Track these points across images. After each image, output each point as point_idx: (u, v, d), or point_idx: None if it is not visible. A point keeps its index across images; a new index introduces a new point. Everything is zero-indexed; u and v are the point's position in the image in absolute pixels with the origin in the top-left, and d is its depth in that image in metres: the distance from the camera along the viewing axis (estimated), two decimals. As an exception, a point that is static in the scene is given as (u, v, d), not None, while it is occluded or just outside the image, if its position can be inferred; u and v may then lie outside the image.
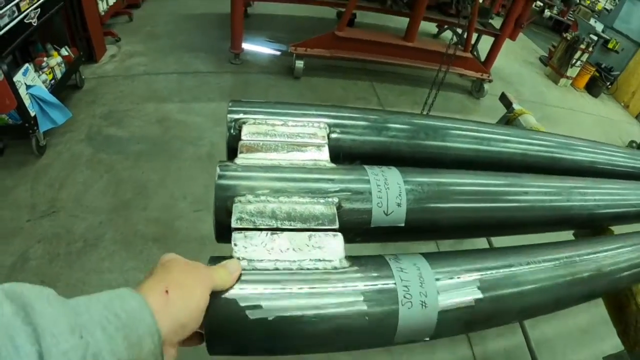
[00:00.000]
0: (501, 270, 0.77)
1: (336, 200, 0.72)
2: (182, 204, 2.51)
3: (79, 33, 3.21)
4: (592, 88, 7.26)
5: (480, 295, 0.70)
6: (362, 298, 0.60)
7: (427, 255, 0.71)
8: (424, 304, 0.63)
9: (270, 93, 3.70)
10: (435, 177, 0.83)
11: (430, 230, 0.84)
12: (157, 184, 2.60)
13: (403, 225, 0.77)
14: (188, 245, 2.29)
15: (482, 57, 5.05)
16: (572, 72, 6.80)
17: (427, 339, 0.68)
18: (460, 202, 0.84)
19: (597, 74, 7.18)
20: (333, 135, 0.88)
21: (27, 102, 2.42)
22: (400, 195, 0.76)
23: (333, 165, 0.79)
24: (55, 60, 2.82)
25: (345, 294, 0.60)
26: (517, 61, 7.18)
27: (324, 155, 0.81)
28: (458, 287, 0.68)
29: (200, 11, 4.94)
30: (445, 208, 0.82)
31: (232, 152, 0.81)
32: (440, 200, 0.81)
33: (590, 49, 6.70)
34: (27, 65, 2.51)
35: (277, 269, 0.60)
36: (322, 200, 0.71)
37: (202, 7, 5.05)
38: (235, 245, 0.61)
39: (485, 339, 2.40)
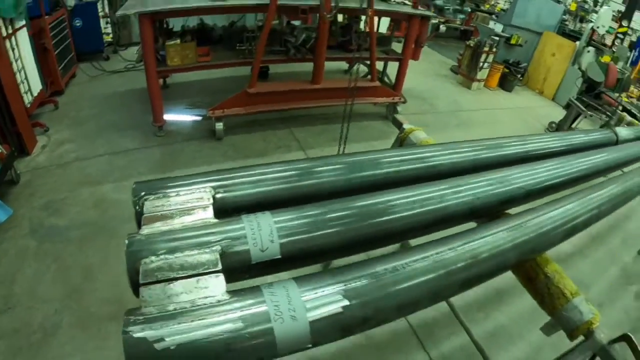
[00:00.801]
0: (365, 279, 0.95)
1: (219, 247, 0.92)
2: (127, 278, 2.61)
3: (8, 129, 3.28)
4: (505, 84, 7.93)
5: (346, 303, 0.89)
6: (240, 321, 0.79)
7: (297, 279, 0.91)
8: (294, 318, 0.82)
9: (196, 158, 3.85)
10: (302, 212, 1.05)
11: (306, 257, 1.04)
12: (101, 264, 2.68)
13: (280, 257, 0.97)
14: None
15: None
16: (481, 74, 7.40)
17: (310, 345, 0.86)
18: (326, 228, 1.05)
19: (507, 70, 7.87)
20: (218, 196, 1.09)
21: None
22: (271, 233, 0.97)
23: (216, 220, 0.99)
24: (-11, 160, 2.90)
25: (228, 321, 0.79)
26: (430, 77, 7.69)
27: (208, 214, 1.01)
28: (323, 299, 0.88)
29: (123, 89, 5.10)
30: (314, 236, 1.03)
31: (139, 224, 1.00)
32: (308, 231, 1.02)
33: (494, 49, 7.30)
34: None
35: (175, 309, 0.78)
36: (207, 250, 0.90)
37: (124, 85, 5.21)
38: (142, 297, 0.80)
39: (439, 342, 2.59)
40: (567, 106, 6.19)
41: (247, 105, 4.10)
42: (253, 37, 4.08)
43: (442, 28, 8.53)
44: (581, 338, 1.51)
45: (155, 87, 3.77)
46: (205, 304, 0.80)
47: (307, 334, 0.83)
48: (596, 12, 9.07)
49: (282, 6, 3.62)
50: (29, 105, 3.75)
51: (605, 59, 7.71)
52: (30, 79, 3.83)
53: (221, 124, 4.07)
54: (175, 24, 4.45)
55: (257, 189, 1.15)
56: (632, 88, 9.54)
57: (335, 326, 0.87)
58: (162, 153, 3.85)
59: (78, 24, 5.35)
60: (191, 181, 1.12)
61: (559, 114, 7.46)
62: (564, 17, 11.82)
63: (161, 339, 0.72)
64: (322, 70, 4.35)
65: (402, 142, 2.25)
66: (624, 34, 11.19)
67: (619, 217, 4.58)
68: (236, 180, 1.15)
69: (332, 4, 3.64)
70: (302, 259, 1.03)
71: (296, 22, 4.73)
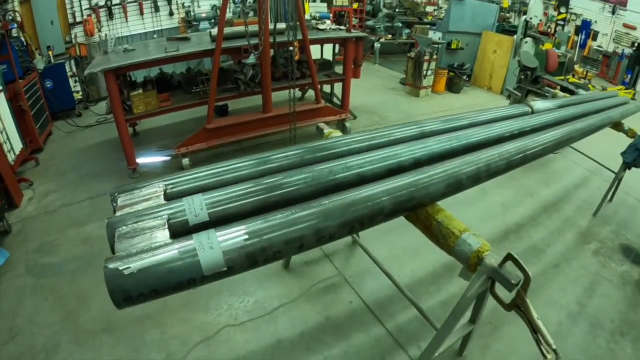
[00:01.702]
0: (261, 222, 1.40)
1: (166, 216, 1.38)
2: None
3: (-4, 185, 3.69)
4: (452, 86, 8.51)
5: (247, 237, 1.33)
6: (177, 252, 1.24)
7: (216, 227, 1.36)
8: (212, 248, 1.27)
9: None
10: (225, 191, 1.53)
11: (227, 219, 1.48)
12: (94, 289, 3.04)
13: (208, 219, 1.44)
14: (130, 326, 2.79)
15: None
16: (427, 81, 7.98)
17: (225, 269, 1.28)
18: (240, 200, 1.53)
19: (453, 74, 8.48)
20: (168, 190, 1.57)
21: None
22: (201, 205, 1.44)
23: (166, 201, 1.46)
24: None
25: (169, 252, 1.23)
26: (380, 92, 8.28)
27: (161, 200, 1.48)
28: (232, 235, 1.33)
29: (97, 141, 5.58)
30: (232, 206, 1.51)
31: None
32: (227, 202, 1.50)
33: (434, 56, 7.89)
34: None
35: (136, 251, 1.24)
36: (158, 218, 1.36)
37: (98, 137, 5.69)
38: (116, 249, 1.26)
39: (394, 314, 2.97)
40: (508, 96, 6.80)
41: (208, 140, 4.61)
42: (207, 79, 4.61)
43: (377, 45, 9.18)
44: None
45: (125, 134, 4.25)
46: (155, 245, 1.26)
47: (221, 260, 1.27)
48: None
49: (226, 49, 4.18)
50: (12, 163, 4.19)
51: (547, 46, 8.41)
52: (11, 139, 4.30)
53: (187, 159, 4.55)
54: (138, 75, 4.99)
55: (195, 183, 1.63)
56: (577, 68, 10.39)
57: (242, 254, 1.31)
58: None
59: (49, 85, 5.85)
60: (150, 183, 1.59)
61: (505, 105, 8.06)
62: (506, 14, 12.76)
63: (127, 267, 1.17)
64: (270, 100, 4.88)
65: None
66: (564, 20, 12.18)
67: (571, 188, 5.13)
68: (181, 179, 1.64)
69: (270, 40, 4.21)
70: (224, 221, 1.47)
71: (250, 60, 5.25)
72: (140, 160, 4.58)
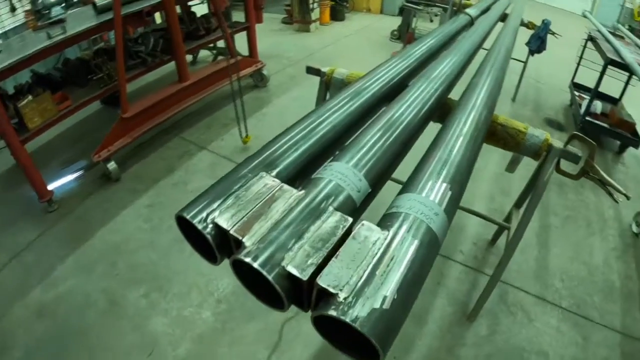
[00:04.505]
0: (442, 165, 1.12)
1: (330, 208, 0.92)
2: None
3: None
4: (337, 15, 8.54)
5: (448, 185, 1.04)
6: (418, 242, 0.82)
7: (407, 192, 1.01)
8: (436, 214, 0.92)
9: (108, 210, 3.44)
10: (356, 146, 1.13)
11: (382, 180, 1.15)
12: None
13: (370, 190, 1.06)
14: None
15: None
16: (315, 15, 7.77)
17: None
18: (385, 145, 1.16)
19: (334, 2, 8.44)
20: (274, 173, 1.05)
21: None
22: (355, 175, 1.04)
23: (302, 191, 0.98)
24: None
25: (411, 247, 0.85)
26: (267, 35, 7.63)
27: (288, 192, 0.99)
28: (436, 192, 0.99)
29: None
30: (379, 156, 1.13)
31: (223, 246, 0.88)
32: (373, 155, 1.11)
33: None
34: None
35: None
36: (325, 217, 0.85)
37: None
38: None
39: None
40: (401, 12, 6.92)
41: (129, 131, 3.75)
42: (101, 62, 3.70)
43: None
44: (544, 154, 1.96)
45: (26, 160, 3.21)
46: (376, 251, 0.78)
47: (447, 220, 0.96)
48: None
49: (125, 16, 3.33)
50: None
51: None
52: None
53: (113, 163, 3.68)
54: (8, 87, 3.79)
55: (296, 152, 1.11)
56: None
57: (452, 203, 1.03)
58: (67, 226, 3.33)
59: None
60: (238, 175, 0.99)
61: (391, 23, 8.30)
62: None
63: (374, 303, 0.69)
64: (186, 65, 4.16)
65: (327, 84, 2.37)
66: None
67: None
68: (276, 154, 1.08)
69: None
70: (380, 182, 1.12)
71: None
72: (53, 185, 3.60)
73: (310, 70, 2.43)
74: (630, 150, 5.00)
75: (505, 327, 2.63)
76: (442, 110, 1.81)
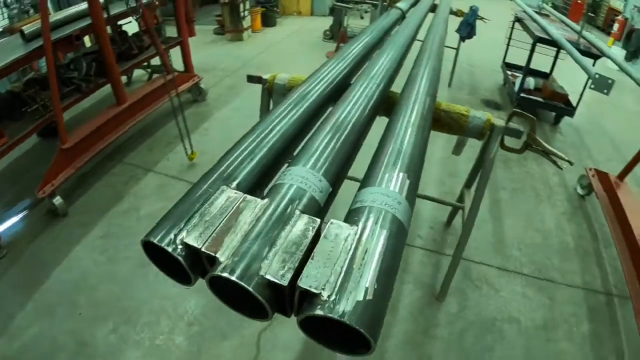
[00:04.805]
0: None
1: (297, 212, 0.91)
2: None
3: None
4: (268, 21, 8.55)
5: (405, 174, 1.08)
6: (387, 232, 0.89)
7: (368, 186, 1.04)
8: (399, 203, 0.96)
9: (60, 249, 3.22)
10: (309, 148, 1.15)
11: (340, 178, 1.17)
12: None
13: (332, 189, 1.07)
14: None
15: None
16: (246, 22, 7.71)
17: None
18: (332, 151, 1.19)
19: (264, 8, 8.43)
20: (233, 185, 1.04)
21: None
22: (314, 175, 1.05)
23: (266, 200, 0.96)
24: None
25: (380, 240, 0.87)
26: (200, 47, 7.47)
27: (253, 202, 0.98)
28: (395, 182, 1.02)
29: None
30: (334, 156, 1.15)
31: (195, 266, 0.85)
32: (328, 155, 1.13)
33: None
34: None
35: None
36: (292, 221, 0.85)
37: None
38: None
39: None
40: (332, 11, 7.04)
41: (71, 162, 3.56)
42: (34, 92, 3.48)
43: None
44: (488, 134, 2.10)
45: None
46: (352, 248, 0.79)
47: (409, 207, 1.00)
48: None
49: (55, 41, 3.15)
50: None
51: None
52: None
53: (58, 198, 3.47)
54: None
55: (252, 162, 1.09)
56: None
57: (411, 191, 1.10)
58: (20, 272, 3.10)
59: None
60: (198, 192, 0.96)
61: (323, 23, 8.42)
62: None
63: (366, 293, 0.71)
64: (122, 87, 4.01)
65: (270, 90, 2.36)
66: None
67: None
68: (232, 166, 1.06)
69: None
70: (339, 180, 1.14)
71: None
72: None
73: (252, 79, 2.41)
74: (566, 119, 5.39)
75: (473, 301, 2.76)
76: (387, 104, 1.87)
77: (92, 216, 3.55)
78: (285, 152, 1.26)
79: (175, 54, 5.12)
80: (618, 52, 8.25)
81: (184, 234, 0.85)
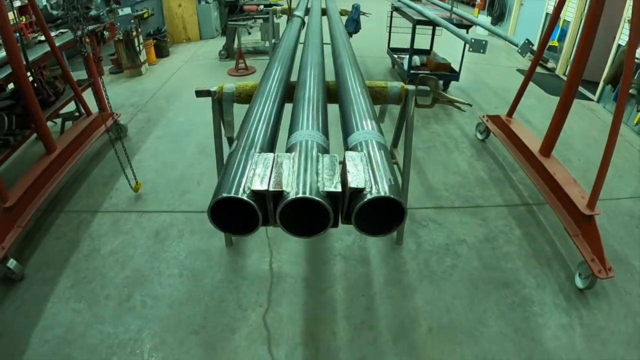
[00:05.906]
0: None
1: (319, 154, 1.36)
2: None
3: None
4: (161, 52, 8.56)
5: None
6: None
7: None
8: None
9: (29, 312, 2.97)
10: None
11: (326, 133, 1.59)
12: None
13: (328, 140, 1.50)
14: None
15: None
16: (142, 57, 7.59)
17: None
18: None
19: (155, 40, 8.38)
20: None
21: None
22: (317, 132, 1.46)
23: (293, 154, 1.39)
24: None
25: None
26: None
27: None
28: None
29: None
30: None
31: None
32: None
33: (139, 30, 7.52)
34: None
35: None
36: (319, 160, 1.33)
37: None
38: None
39: None
40: (224, 31, 7.33)
41: (16, 220, 3.42)
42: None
43: (106, 34, 8.02)
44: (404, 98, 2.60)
45: None
46: None
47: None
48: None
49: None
50: None
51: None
52: None
53: (12, 260, 3.27)
54: None
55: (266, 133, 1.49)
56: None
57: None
58: None
59: None
60: (235, 160, 1.29)
61: (214, 45, 8.72)
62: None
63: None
64: (49, 134, 3.96)
65: (220, 101, 2.62)
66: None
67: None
68: (249, 141, 1.42)
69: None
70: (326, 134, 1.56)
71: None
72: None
73: (201, 94, 2.64)
74: (453, 84, 6.43)
75: (426, 237, 3.39)
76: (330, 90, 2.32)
77: (53, 270, 3.40)
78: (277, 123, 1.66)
79: (87, 96, 5.06)
80: (485, 19, 9.78)
81: (249, 183, 1.15)
